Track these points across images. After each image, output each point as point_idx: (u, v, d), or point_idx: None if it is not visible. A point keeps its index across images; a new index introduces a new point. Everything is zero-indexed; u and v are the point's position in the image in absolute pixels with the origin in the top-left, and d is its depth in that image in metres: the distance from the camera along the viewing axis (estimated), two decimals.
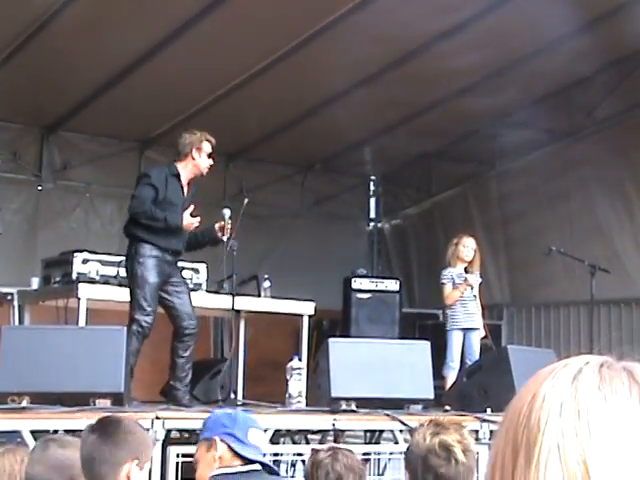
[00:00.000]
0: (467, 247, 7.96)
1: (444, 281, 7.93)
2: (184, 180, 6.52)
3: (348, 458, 3.21)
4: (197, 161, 6.49)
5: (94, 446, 2.85)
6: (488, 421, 6.09)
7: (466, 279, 7.84)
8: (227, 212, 6.57)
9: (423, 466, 2.78)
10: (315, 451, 3.33)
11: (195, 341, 6.51)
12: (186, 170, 6.51)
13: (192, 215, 6.38)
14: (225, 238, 6.53)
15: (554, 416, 0.86)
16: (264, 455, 3.25)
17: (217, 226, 6.56)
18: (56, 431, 5.47)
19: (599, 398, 0.86)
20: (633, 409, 0.86)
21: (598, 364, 0.89)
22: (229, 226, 6.54)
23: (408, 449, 2.94)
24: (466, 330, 7.86)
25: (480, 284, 8.05)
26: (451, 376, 7.64)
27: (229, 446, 3.12)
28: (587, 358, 0.91)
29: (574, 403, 0.86)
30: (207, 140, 6.51)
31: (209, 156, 6.53)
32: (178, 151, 6.57)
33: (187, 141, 6.51)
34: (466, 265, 7.95)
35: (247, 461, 3.12)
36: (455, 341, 7.81)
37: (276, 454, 5.79)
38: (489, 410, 6.26)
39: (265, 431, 3.33)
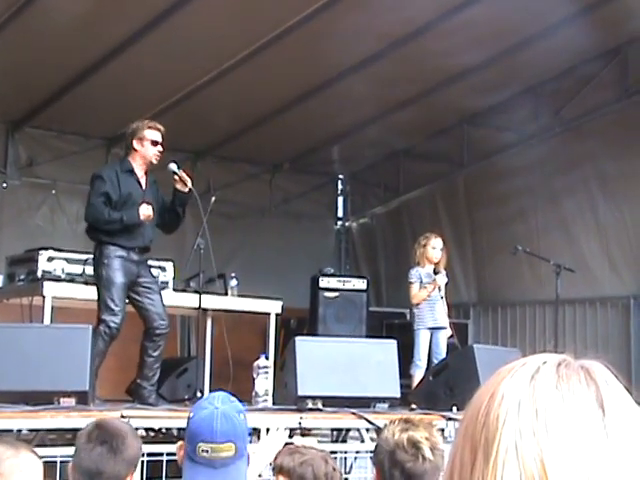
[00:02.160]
0: (435, 248, 8.00)
1: (412, 280, 7.95)
2: (139, 173, 6.43)
3: (321, 468, 3.15)
4: (141, 151, 6.35)
5: (103, 459, 2.82)
6: (454, 420, 6.11)
7: (435, 280, 7.87)
8: (172, 165, 6.39)
9: (390, 461, 2.78)
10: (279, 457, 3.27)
11: (165, 341, 6.49)
12: (137, 163, 6.39)
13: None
14: (190, 185, 6.37)
15: (512, 415, 0.86)
16: (226, 466, 2.79)
17: (178, 186, 6.43)
18: (20, 430, 5.43)
19: (556, 397, 0.86)
20: (590, 408, 0.86)
21: (556, 363, 0.90)
22: (184, 174, 6.40)
23: (377, 445, 2.94)
24: (433, 329, 7.89)
25: (446, 283, 8.09)
26: (418, 375, 7.66)
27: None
28: (545, 357, 0.91)
29: (532, 402, 0.86)
30: (150, 127, 6.35)
31: (156, 143, 6.36)
32: (125, 144, 6.50)
33: (129, 132, 6.39)
34: (434, 265, 7.99)
35: None
36: (422, 340, 7.84)
37: None
38: (455, 409, 6.29)
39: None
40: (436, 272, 7.92)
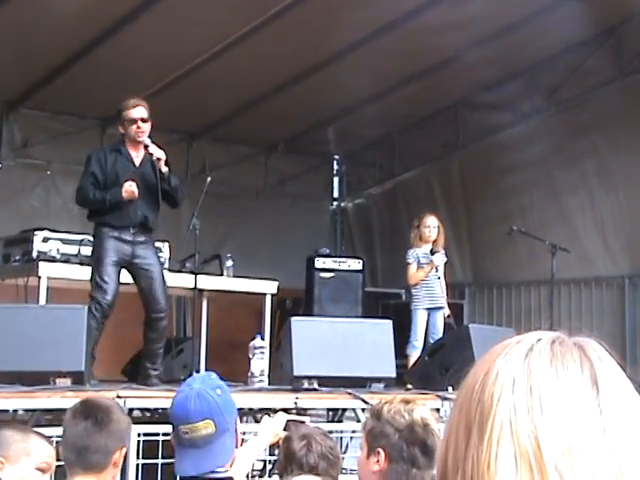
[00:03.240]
0: (429, 227, 7.99)
1: (409, 261, 7.95)
2: (134, 152, 6.41)
3: (321, 446, 3.17)
4: (126, 133, 6.36)
5: (88, 434, 2.83)
6: (449, 399, 6.13)
7: (432, 261, 7.87)
8: (146, 139, 6.31)
9: (408, 440, 2.78)
10: (287, 438, 3.28)
11: (167, 319, 6.49)
12: (129, 143, 6.40)
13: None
14: (159, 155, 6.27)
15: (506, 392, 0.86)
16: (210, 443, 2.80)
17: (154, 159, 6.34)
18: (15, 411, 5.44)
19: (551, 374, 0.87)
20: (584, 385, 0.87)
21: (550, 340, 0.90)
22: (154, 147, 6.29)
23: (378, 428, 2.88)
24: (430, 309, 7.90)
25: (445, 263, 8.10)
26: (414, 355, 7.68)
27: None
28: (540, 334, 0.91)
29: (526, 379, 0.87)
30: (127, 107, 6.33)
31: (134, 121, 6.30)
32: None
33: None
34: (431, 244, 7.98)
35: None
36: (420, 320, 7.85)
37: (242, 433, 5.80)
38: (450, 388, 6.31)
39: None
40: (433, 252, 7.92)
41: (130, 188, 6.22)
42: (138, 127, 6.31)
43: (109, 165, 6.35)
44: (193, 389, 2.81)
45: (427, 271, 7.87)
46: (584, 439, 0.85)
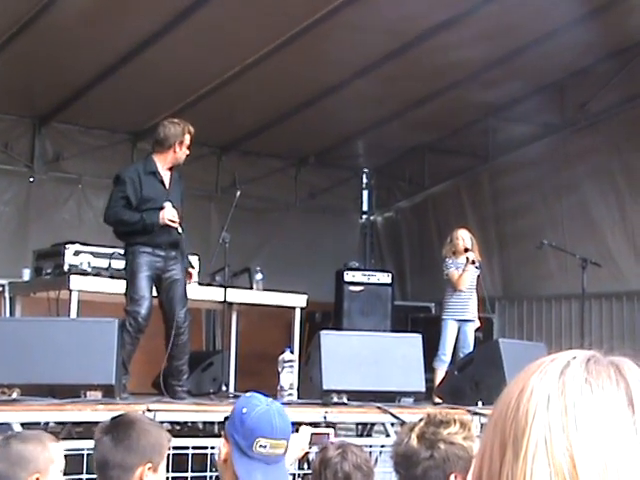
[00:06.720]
0: (461, 238, 7.97)
1: (450, 268, 7.90)
2: (163, 172, 6.41)
3: (357, 456, 3.17)
4: (177, 154, 6.38)
5: (107, 449, 2.82)
6: (479, 414, 6.10)
7: (467, 257, 7.84)
8: (168, 204, 6.31)
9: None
10: (323, 448, 3.29)
11: (187, 334, 6.43)
12: (165, 162, 6.40)
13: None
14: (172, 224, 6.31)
15: (541, 410, 0.86)
16: (277, 462, 2.80)
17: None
18: (47, 423, 5.48)
19: (586, 392, 0.86)
20: (619, 404, 0.86)
21: (585, 359, 0.89)
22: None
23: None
24: (461, 322, 7.85)
25: (478, 276, 8.06)
26: (441, 369, 7.63)
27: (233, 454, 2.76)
28: (575, 352, 0.91)
29: (561, 397, 0.86)
30: (189, 132, 6.39)
31: (189, 147, 6.43)
32: (159, 141, 6.43)
33: (171, 132, 6.36)
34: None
35: None
36: (449, 331, 7.80)
37: None
38: (480, 403, 6.27)
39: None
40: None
41: (169, 215, 6.22)
42: (188, 153, 6.43)
43: (144, 189, 6.31)
44: (270, 406, 2.77)
45: (468, 269, 7.83)
46: (619, 458, 0.84)
